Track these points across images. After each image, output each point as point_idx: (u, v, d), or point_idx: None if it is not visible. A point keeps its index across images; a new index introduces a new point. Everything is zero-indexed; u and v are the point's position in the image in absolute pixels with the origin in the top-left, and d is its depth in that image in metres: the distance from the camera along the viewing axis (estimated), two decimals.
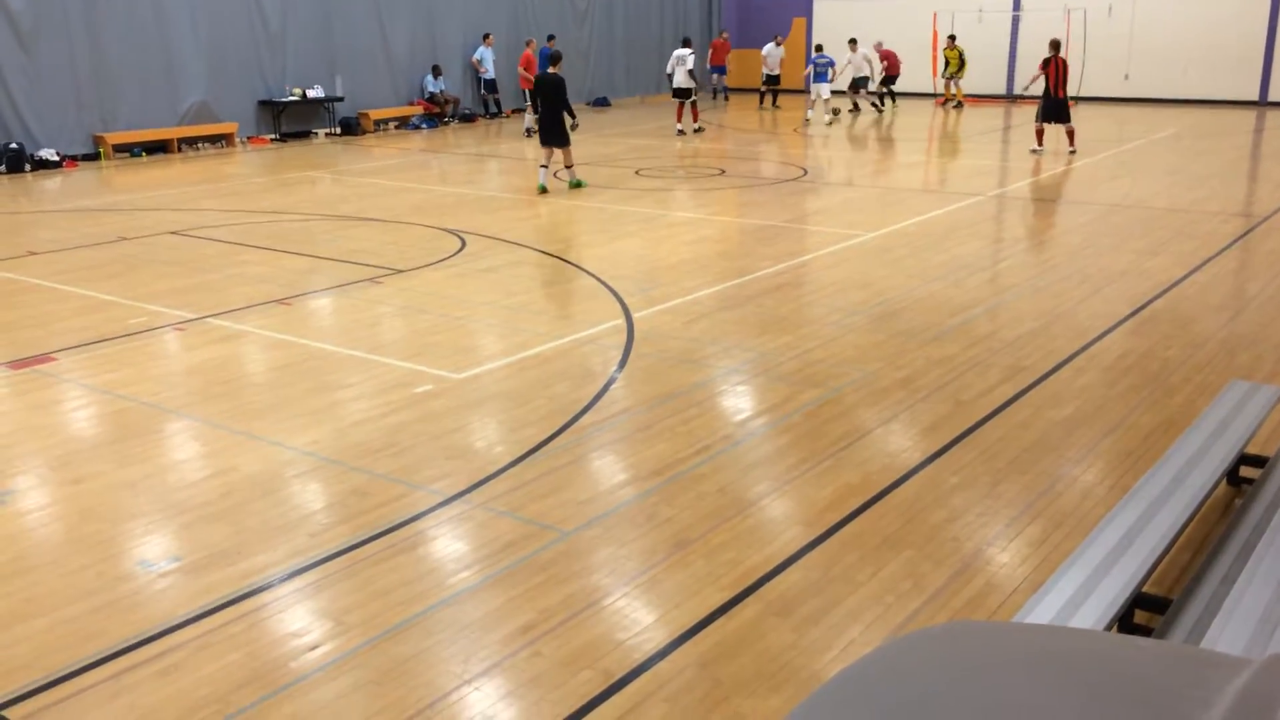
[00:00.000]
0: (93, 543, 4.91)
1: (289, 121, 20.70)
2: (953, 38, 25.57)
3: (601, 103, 27.03)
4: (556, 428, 6.17)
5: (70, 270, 10.11)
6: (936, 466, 5.63)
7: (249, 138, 20.12)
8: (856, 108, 24.86)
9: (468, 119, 23.54)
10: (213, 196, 14.63)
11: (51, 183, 16.03)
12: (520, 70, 19.98)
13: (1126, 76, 26.16)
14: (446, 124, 22.86)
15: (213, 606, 4.31)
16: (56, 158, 17.13)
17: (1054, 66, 16.87)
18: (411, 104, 22.71)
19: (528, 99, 19.71)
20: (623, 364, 7.32)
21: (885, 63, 25.18)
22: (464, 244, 11.20)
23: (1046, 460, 5.70)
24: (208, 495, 5.36)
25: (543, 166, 14.33)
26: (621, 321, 8.31)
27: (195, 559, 4.70)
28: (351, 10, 21.28)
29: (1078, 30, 25.89)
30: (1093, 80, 26.13)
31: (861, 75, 24.50)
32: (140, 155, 18.37)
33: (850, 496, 5.27)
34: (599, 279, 9.62)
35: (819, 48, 23.49)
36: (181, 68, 18.83)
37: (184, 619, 4.22)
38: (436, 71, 22.76)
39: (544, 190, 14.13)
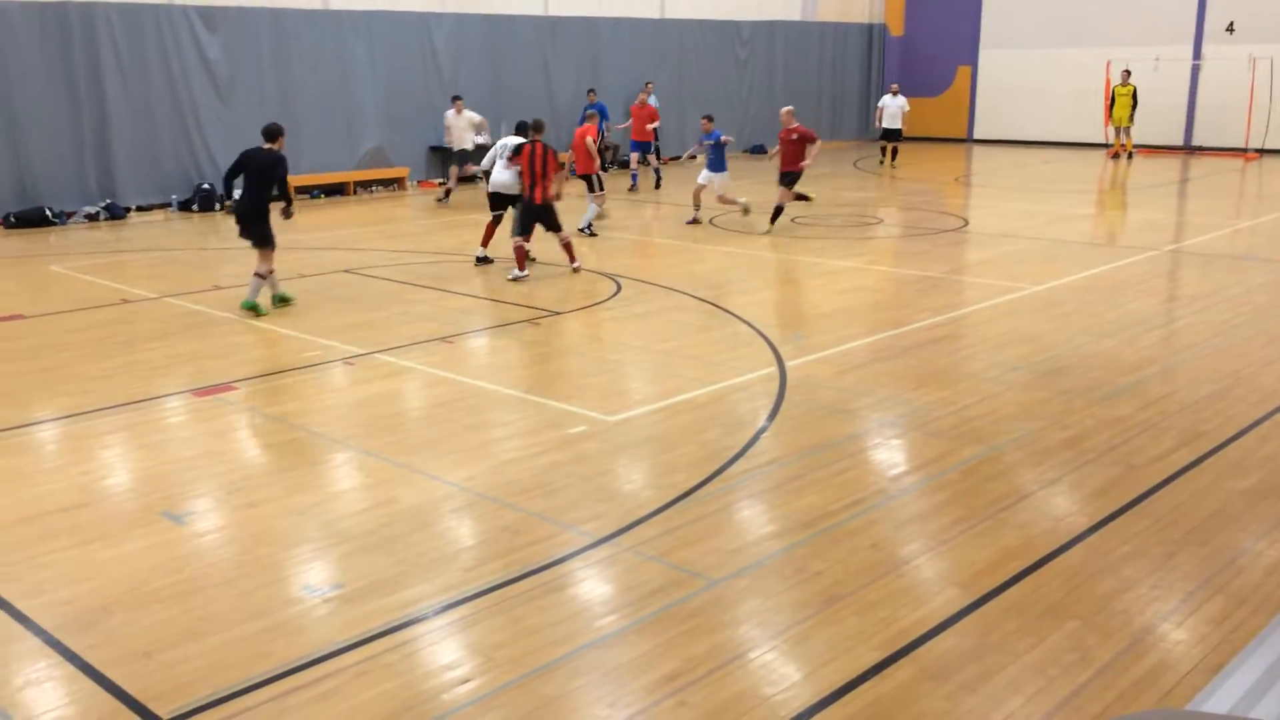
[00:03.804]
0: (263, 566, 5.14)
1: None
2: (1127, 73, 24.63)
3: (759, 150, 27.11)
4: (707, 474, 6.16)
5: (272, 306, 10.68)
6: (1105, 534, 5.37)
7: (419, 181, 20.97)
8: (448, 192, 18.95)
9: (625, 165, 23.95)
10: (384, 237, 15.28)
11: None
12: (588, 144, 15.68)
13: None
14: (605, 170, 23.30)
15: (371, 635, 4.44)
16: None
17: (529, 157, 11.51)
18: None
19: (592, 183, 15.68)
20: (774, 413, 7.26)
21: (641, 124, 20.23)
22: (619, 288, 11.35)
23: (1227, 532, 5.36)
24: (369, 525, 5.54)
25: (257, 275, 10.36)
26: (774, 369, 8.25)
27: (356, 587, 4.86)
28: (519, 60, 21.99)
29: (1264, 78, 24.64)
30: None
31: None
32: (319, 197, 19.36)
33: (1010, 560, 5.07)
34: (752, 326, 9.60)
35: (709, 118, 15.72)
36: (360, 116, 19.81)
37: (344, 645, 4.36)
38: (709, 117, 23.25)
39: (254, 309, 10.21)
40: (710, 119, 15.63)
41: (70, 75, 16.34)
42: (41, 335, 9.51)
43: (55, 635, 4.42)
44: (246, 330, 9.75)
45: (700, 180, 15.55)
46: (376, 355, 8.80)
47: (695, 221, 15.63)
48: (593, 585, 4.96)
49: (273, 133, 10.39)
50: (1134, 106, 24.51)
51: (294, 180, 18.98)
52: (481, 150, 17.45)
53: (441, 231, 15.92)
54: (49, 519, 5.64)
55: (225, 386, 7.95)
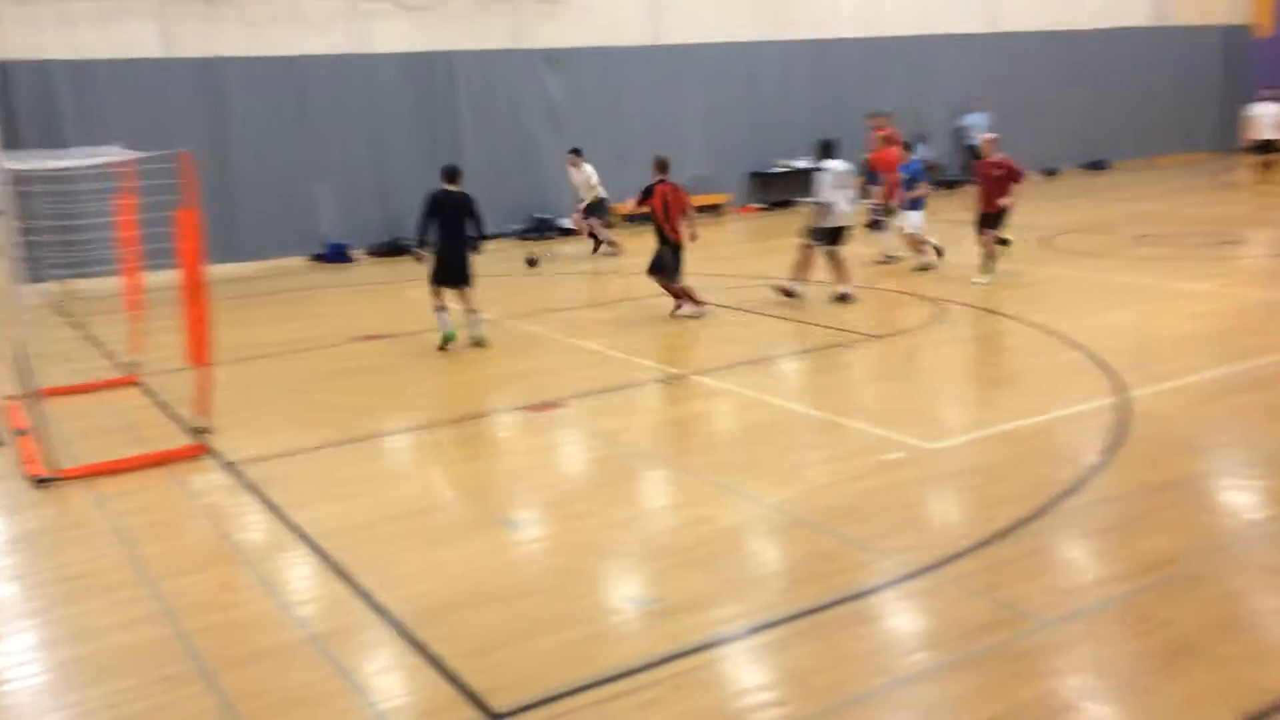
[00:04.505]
0: (589, 575, 5.38)
1: (776, 191, 21.68)
2: None
3: (1097, 165, 25.41)
4: (1035, 508, 5.80)
5: (580, 326, 11.28)
6: None
7: (739, 207, 21.34)
8: (597, 242, 16.73)
9: (950, 185, 23.19)
10: (705, 261, 15.60)
11: (570, 248, 18.02)
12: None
13: None
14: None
15: (687, 649, 4.51)
16: (573, 225, 19.27)
17: (661, 198, 10.99)
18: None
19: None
20: (1113, 446, 6.73)
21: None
22: (940, 311, 10.98)
23: None
24: (686, 541, 5.66)
25: (440, 310, 10.28)
26: (1112, 400, 7.66)
27: (674, 601, 4.97)
28: (843, 82, 21.82)
29: None
30: None
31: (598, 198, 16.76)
32: (640, 224, 20.14)
33: None
34: (1088, 352, 8.97)
35: (907, 145, 13.75)
36: (685, 145, 20.41)
37: (662, 657, 4.46)
38: (921, 137, 22.75)
39: (452, 339, 10.21)
40: (908, 146, 13.52)
41: (431, 117, 18.03)
42: (398, 354, 10.47)
43: (406, 626, 4.83)
44: (574, 351, 10.28)
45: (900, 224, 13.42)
46: (694, 376, 9.00)
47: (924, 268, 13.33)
48: (910, 617, 4.80)
49: (456, 173, 10.33)
50: None
51: (619, 208, 19.87)
52: (600, 204, 16.63)
53: (759, 256, 16.08)
54: (403, 520, 6.18)
55: (555, 404, 8.41)
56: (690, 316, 11.27)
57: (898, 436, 7.13)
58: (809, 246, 11.73)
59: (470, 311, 10.41)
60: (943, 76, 23.18)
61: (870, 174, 14.06)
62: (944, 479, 6.46)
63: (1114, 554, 5.30)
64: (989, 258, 12.24)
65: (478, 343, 10.40)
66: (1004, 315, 10.63)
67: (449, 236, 10.18)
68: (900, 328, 10.49)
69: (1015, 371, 8.72)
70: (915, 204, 13.19)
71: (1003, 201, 12.02)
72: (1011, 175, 12.06)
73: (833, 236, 11.66)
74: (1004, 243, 12.63)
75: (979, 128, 22.95)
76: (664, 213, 11.07)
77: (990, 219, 12.23)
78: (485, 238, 10.58)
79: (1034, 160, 24.67)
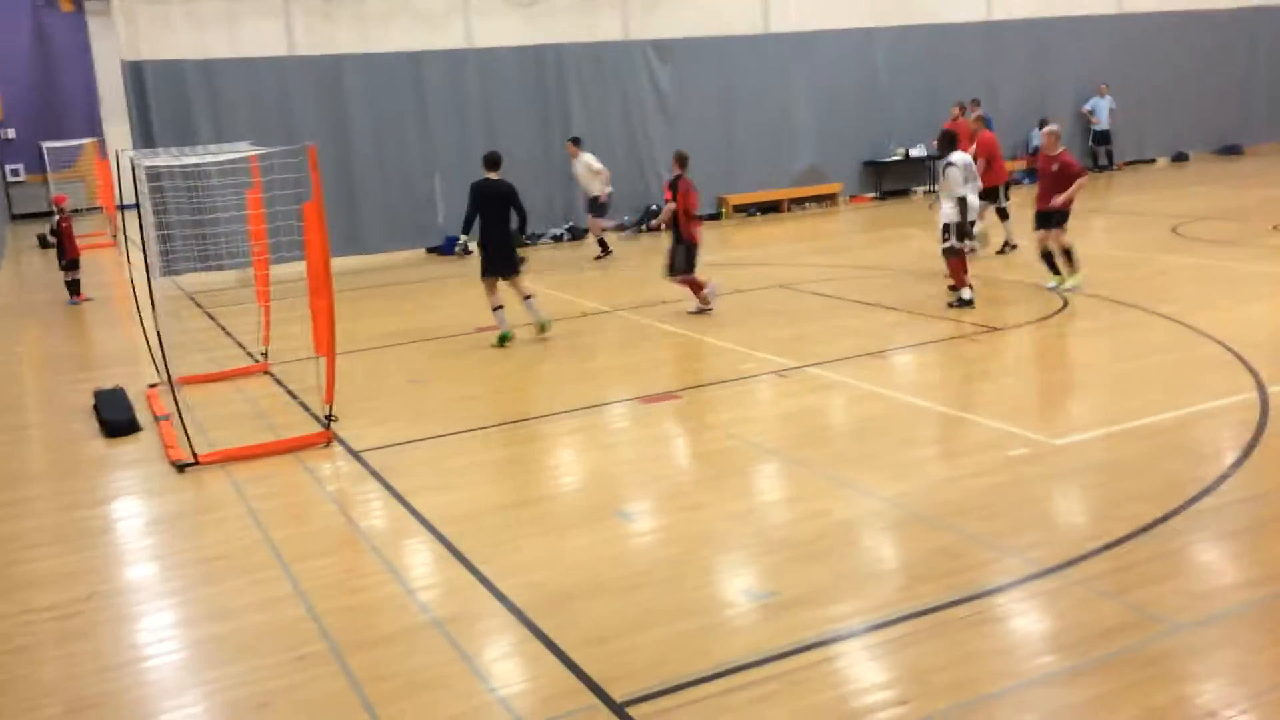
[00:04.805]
0: (703, 566, 5.39)
1: (890, 180, 21.32)
2: None
3: (1232, 150, 24.31)
4: (1169, 508, 5.59)
5: (691, 318, 11.25)
6: None
7: (851, 197, 21.05)
8: (604, 247, 16.28)
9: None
10: (817, 252, 15.49)
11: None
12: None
13: None
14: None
15: (805, 644, 4.48)
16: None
17: (682, 194, 11.08)
18: (1015, 159, 22.17)
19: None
20: (1253, 444, 6.45)
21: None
22: (1066, 303, 10.65)
23: None
24: (803, 535, 5.62)
25: (498, 309, 10.40)
26: (1253, 395, 7.33)
27: (790, 595, 4.95)
28: (961, 68, 21.29)
29: None
30: None
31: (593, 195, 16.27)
32: (754, 215, 20.04)
33: None
34: (1225, 346, 8.60)
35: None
36: (796, 135, 20.25)
37: (780, 651, 4.43)
38: (1043, 124, 22.08)
39: (508, 339, 10.37)
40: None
41: (544, 110, 18.22)
42: (512, 344, 10.57)
43: (526, 614, 4.91)
44: (686, 343, 10.29)
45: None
46: (808, 369, 8.92)
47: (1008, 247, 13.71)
48: (1037, 618, 4.68)
49: (497, 161, 10.30)
50: None
51: (731, 199, 19.79)
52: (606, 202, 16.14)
53: (873, 247, 15.85)
54: (520, 508, 6.29)
55: (669, 395, 8.43)
56: (698, 312, 11.26)
57: (1021, 431, 6.95)
58: (957, 249, 10.76)
59: (526, 298, 10.45)
60: (1066, 60, 22.45)
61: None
62: (1071, 476, 6.27)
63: (1252, 556, 5.09)
64: (1067, 257, 11.29)
65: (542, 328, 10.48)
66: (1132, 306, 10.26)
67: (493, 226, 10.14)
68: (1022, 320, 10.21)
69: (1144, 365, 8.41)
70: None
71: (1058, 200, 10.93)
72: (1066, 173, 11.01)
73: (966, 231, 10.90)
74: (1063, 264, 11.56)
75: (1101, 113, 22.25)
76: (683, 206, 11.09)
77: (1046, 217, 11.22)
78: (526, 229, 10.40)
79: (1162, 145, 23.92)
